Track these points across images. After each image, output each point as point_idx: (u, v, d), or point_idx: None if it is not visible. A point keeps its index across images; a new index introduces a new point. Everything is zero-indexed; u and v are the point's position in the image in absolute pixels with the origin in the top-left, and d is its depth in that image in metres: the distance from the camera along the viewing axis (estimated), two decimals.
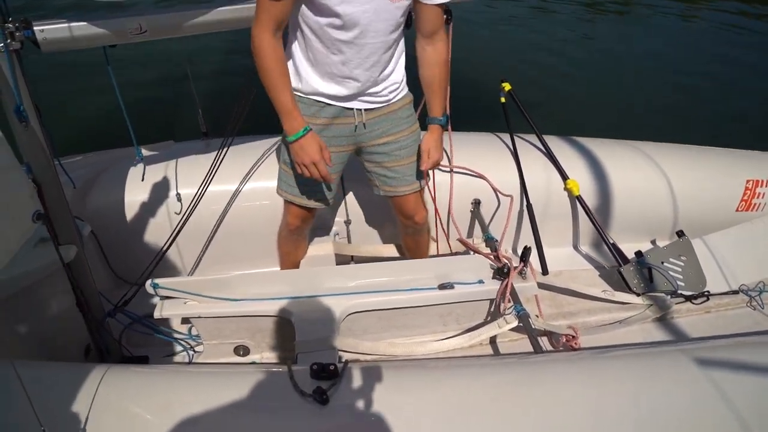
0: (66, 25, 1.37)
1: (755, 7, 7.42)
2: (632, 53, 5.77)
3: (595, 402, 1.25)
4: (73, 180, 1.98)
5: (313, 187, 1.80)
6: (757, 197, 2.35)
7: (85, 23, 1.40)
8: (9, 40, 1.29)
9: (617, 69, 5.36)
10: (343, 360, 1.38)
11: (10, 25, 1.29)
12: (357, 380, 1.27)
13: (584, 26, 6.64)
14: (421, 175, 1.87)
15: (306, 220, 1.92)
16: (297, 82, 1.64)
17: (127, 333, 1.91)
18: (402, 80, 1.73)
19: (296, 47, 1.60)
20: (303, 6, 1.47)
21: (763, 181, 2.35)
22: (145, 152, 2.20)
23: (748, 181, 2.34)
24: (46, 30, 1.35)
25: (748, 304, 2.13)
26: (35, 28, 1.33)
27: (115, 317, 1.83)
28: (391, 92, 1.70)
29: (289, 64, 1.62)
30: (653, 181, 2.31)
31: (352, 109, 1.69)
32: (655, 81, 5.11)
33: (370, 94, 1.67)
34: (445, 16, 1.68)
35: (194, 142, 2.30)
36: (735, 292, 2.15)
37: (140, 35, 1.44)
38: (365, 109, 1.70)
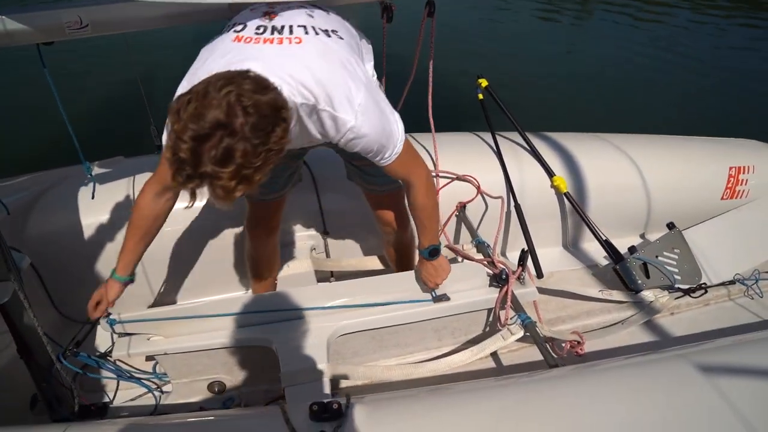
0: None
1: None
2: (610, 46, 5.84)
3: (626, 415, 1.13)
4: (7, 205, 1.72)
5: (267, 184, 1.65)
6: (741, 184, 2.31)
7: (15, 15, 1.16)
8: None
9: (595, 62, 5.40)
10: (344, 394, 1.19)
11: None
12: (364, 419, 1.09)
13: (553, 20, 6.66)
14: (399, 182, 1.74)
15: (265, 213, 1.79)
16: None
17: (80, 378, 1.65)
18: None
19: None
20: None
21: (745, 167, 2.31)
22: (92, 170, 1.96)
23: (731, 168, 2.30)
24: None
25: (746, 294, 2.06)
26: None
27: (66, 362, 1.58)
28: None
29: None
30: (637, 175, 2.23)
31: None
32: (635, 74, 5.16)
33: None
34: (427, 9, 1.72)
35: (147, 156, 2.06)
36: (731, 282, 2.08)
37: (80, 30, 1.22)
38: None
